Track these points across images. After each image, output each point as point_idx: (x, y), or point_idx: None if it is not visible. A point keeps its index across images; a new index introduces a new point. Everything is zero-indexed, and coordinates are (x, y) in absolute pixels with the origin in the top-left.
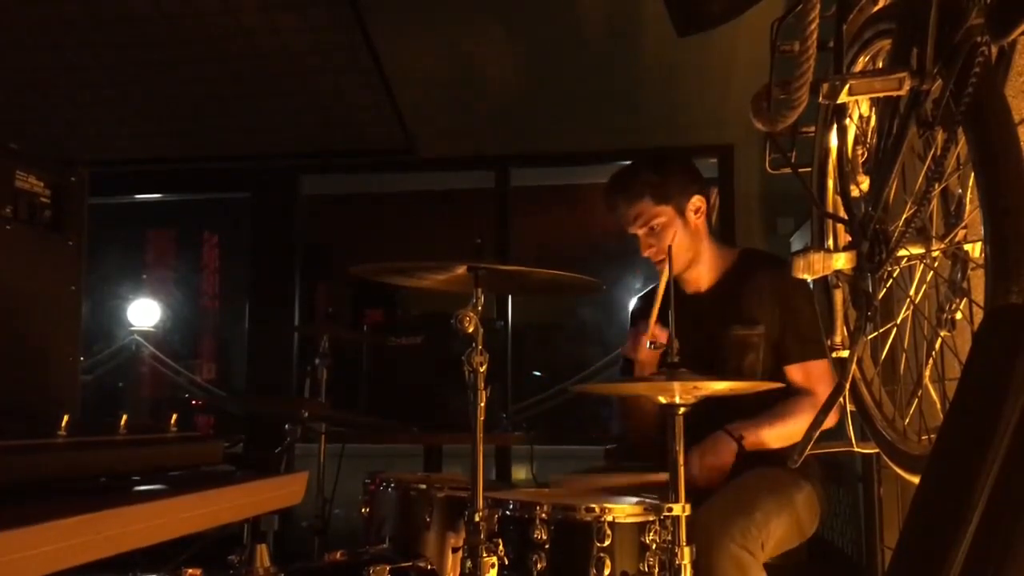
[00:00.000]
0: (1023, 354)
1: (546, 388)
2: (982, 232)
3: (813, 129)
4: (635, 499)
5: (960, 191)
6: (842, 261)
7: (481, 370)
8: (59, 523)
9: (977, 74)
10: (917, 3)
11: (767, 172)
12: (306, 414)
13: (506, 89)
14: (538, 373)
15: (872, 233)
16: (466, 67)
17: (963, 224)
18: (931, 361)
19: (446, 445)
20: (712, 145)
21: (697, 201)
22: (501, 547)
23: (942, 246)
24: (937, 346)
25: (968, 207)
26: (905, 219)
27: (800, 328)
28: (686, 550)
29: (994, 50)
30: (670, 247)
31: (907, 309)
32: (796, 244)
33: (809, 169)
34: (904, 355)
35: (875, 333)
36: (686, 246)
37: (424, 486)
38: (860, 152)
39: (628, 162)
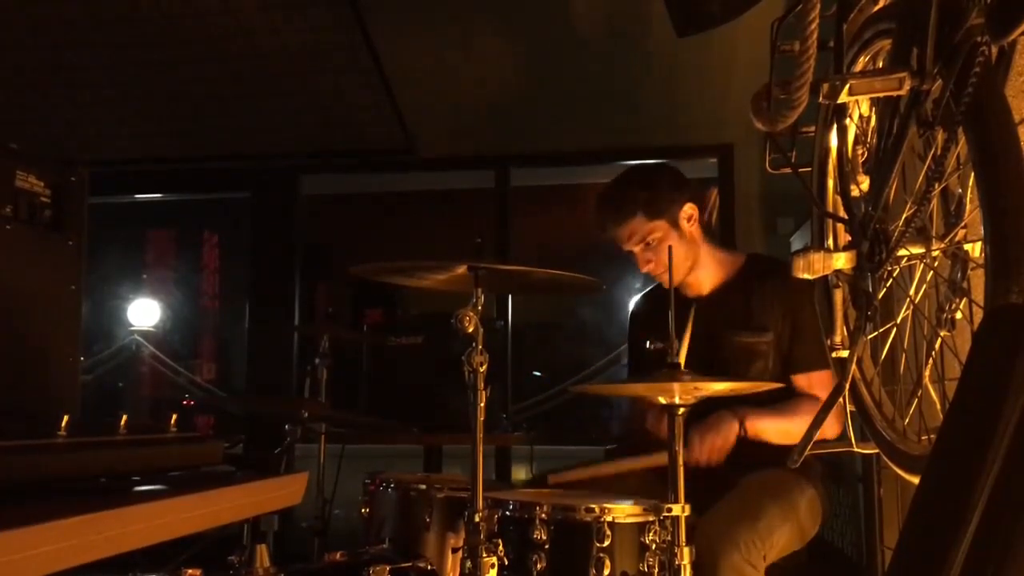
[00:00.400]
0: (1023, 354)
1: (546, 388)
2: (982, 232)
3: (813, 129)
4: (633, 500)
5: (960, 191)
6: (842, 261)
7: (481, 370)
8: (59, 523)
9: (977, 74)
10: (917, 3)
11: (767, 172)
12: (306, 414)
13: (506, 89)
14: (538, 373)
15: (872, 233)
16: (466, 67)
17: (963, 224)
18: (931, 361)
19: (446, 445)
20: (712, 145)
21: (689, 209)
22: (501, 547)
23: (942, 246)
24: (937, 346)
25: (968, 207)
26: (905, 219)
27: (808, 338)
28: (686, 550)
29: (994, 50)
30: (671, 260)
31: (907, 309)
32: (796, 244)
33: (809, 169)
34: (904, 355)
35: (875, 333)
36: (683, 255)
37: (424, 486)
38: (860, 152)
39: (629, 162)
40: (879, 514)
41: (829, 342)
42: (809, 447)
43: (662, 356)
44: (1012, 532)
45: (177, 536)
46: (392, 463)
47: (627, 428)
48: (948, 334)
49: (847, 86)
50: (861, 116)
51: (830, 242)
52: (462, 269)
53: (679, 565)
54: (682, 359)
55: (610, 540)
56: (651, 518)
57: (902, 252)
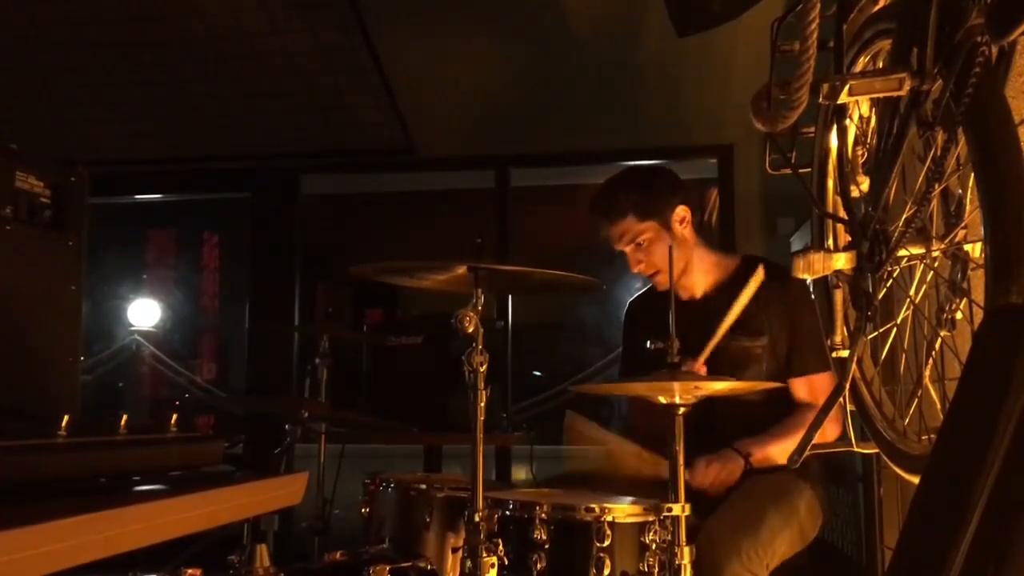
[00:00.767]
0: (1023, 354)
1: (546, 388)
2: (982, 232)
3: (813, 129)
4: (632, 499)
5: (960, 191)
6: (842, 261)
7: (481, 370)
8: (59, 523)
9: (977, 74)
10: (917, 3)
11: (767, 172)
12: (306, 414)
13: (506, 89)
14: (538, 373)
15: (872, 233)
16: (466, 67)
17: (963, 224)
18: (931, 361)
19: (446, 445)
20: (712, 145)
21: (681, 211)
22: (501, 547)
23: (942, 246)
24: (937, 346)
25: (968, 207)
26: (905, 219)
27: (806, 342)
28: (686, 550)
29: (994, 50)
30: (671, 260)
31: (907, 309)
32: (796, 244)
33: (809, 169)
34: (904, 355)
35: (875, 333)
36: (675, 256)
37: (424, 486)
38: (860, 152)
39: (629, 163)
40: (879, 514)
41: (829, 342)
42: (809, 448)
43: (661, 356)
44: (1012, 532)
45: (177, 536)
46: (392, 463)
47: (629, 427)
48: (948, 334)
49: (847, 86)
50: (861, 116)
51: (830, 242)
52: (462, 269)
53: (679, 565)
54: (672, 352)
55: (610, 540)
56: (651, 518)
57: (902, 252)
